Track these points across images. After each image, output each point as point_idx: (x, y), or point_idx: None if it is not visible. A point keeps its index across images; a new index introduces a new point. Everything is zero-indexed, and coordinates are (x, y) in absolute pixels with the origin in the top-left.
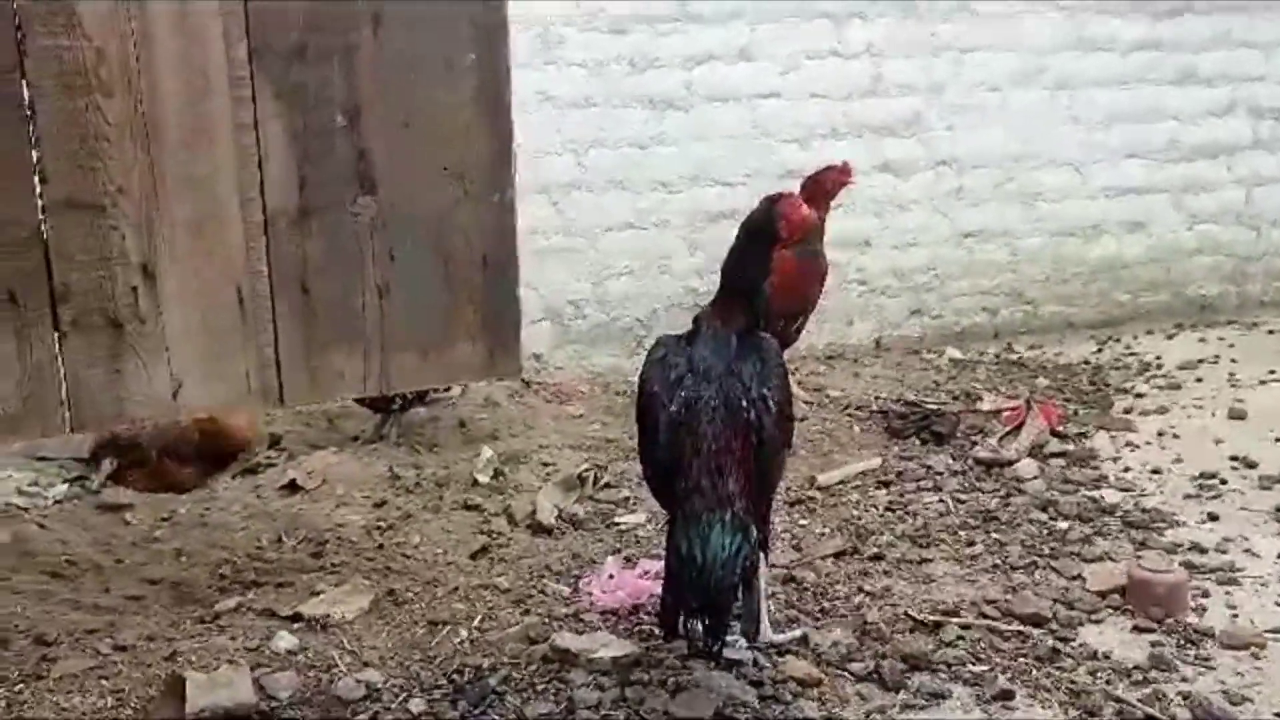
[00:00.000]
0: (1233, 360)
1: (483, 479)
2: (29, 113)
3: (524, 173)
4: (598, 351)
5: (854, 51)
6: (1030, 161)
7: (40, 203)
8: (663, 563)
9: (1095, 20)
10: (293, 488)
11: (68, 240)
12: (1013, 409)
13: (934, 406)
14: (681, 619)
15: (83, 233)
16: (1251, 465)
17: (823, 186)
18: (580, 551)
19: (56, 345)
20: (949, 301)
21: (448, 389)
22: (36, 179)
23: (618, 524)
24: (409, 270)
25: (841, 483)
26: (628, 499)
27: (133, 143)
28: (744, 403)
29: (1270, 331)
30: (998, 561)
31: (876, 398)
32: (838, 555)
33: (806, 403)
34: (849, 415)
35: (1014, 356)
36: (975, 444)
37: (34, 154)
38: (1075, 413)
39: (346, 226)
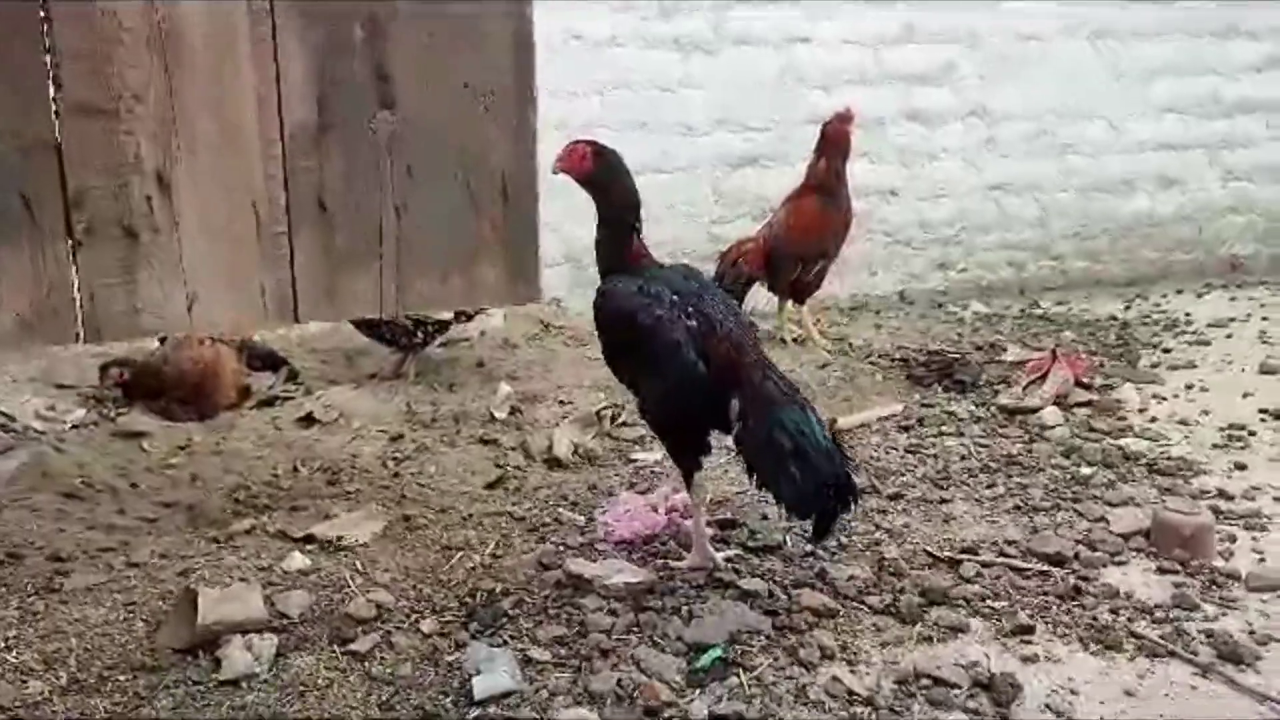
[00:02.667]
0: (1264, 319)
1: (500, 415)
2: (44, 16)
3: (547, 112)
4: None
5: None
6: (1065, 114)
7: (55, 107)
8: (680, 495)
9: None
10: (309, 420)
11: (82, 146)
12: (1040, 359)
13: (957, 355)
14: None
15: (97, 139)
16: None
17: (828, 136)
18: (597, 484)
19: (70, 253)
20: (975, 255)
21: (469, 318)
22: (51, 84)
23: (634, 460)
24: (428, 190)
25: (863, 426)
26: (644, 437)
27: (149, 50)
28: (736, 313)
29: None
30: (1019, 503)
31: (899, 347)
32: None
33: (828, 351)
34: (871, 363)
35: (1039, 312)
36: (998, 392)
37: (48, 59)
38: (1101, 365)
39: (365, 143)
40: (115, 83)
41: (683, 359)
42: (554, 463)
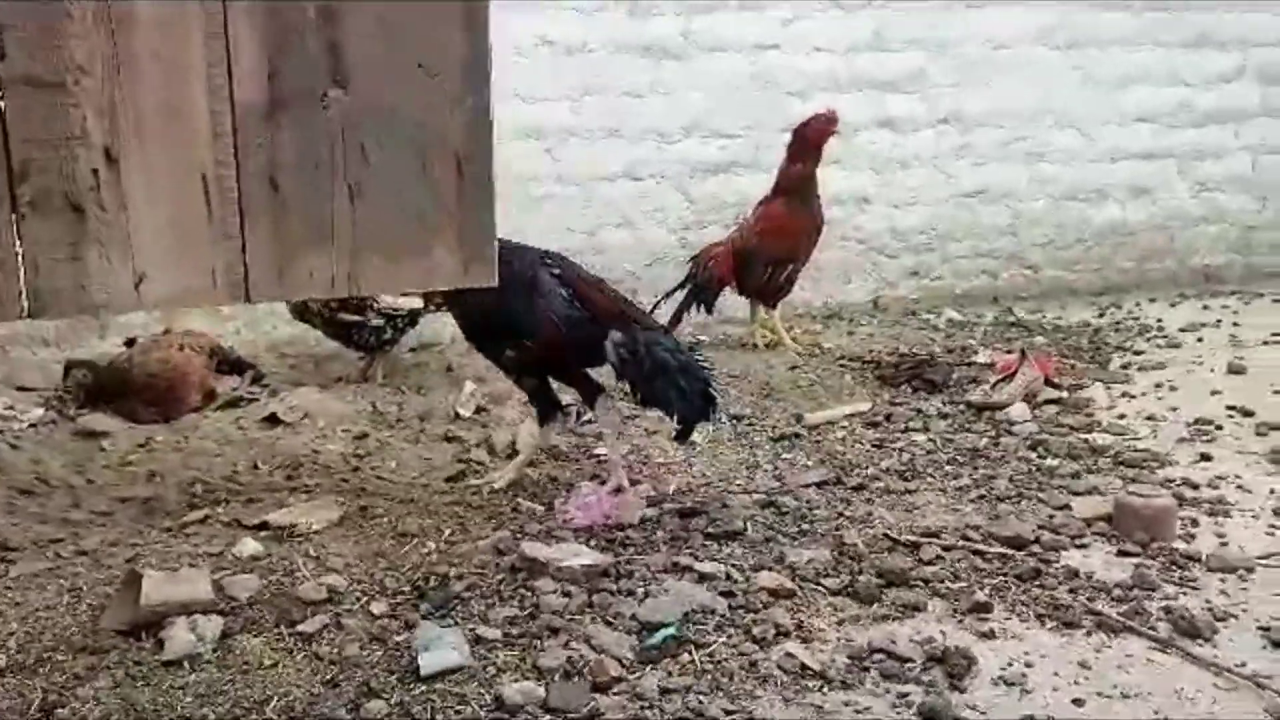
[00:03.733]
0: (1235, 324)
1: (465, 413)
2: None
3: (518, 117)
4: None
5: (857, 4)
6: (1037, 122)
7: None
8: (643, 484)
9: None
10: (274, 420)
11: (27, 118)
12: (1009, 359)
13: (927, 357)
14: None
15: (43, 111)
16: (1249, 414)
17: (806, 138)
18: (558, 476)
19: (15, 226)
20: (949, 263)
21: (438, 307)
22: None
23: (597, 455)
24: (382, 170)
25: (829, 423)
26: (606, 435)
27: (96, 24)
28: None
29: (1276, 300)
30: (984, 493)
31: (870, 351)
32: (820, 485)
33: (799, 354)
34: (841, 365)
35: (1012, 319)
36: (967, 391)
37: None
38: (1072, 366)
39: (318, 121)
40: (62, 55)
41: (562, 300)
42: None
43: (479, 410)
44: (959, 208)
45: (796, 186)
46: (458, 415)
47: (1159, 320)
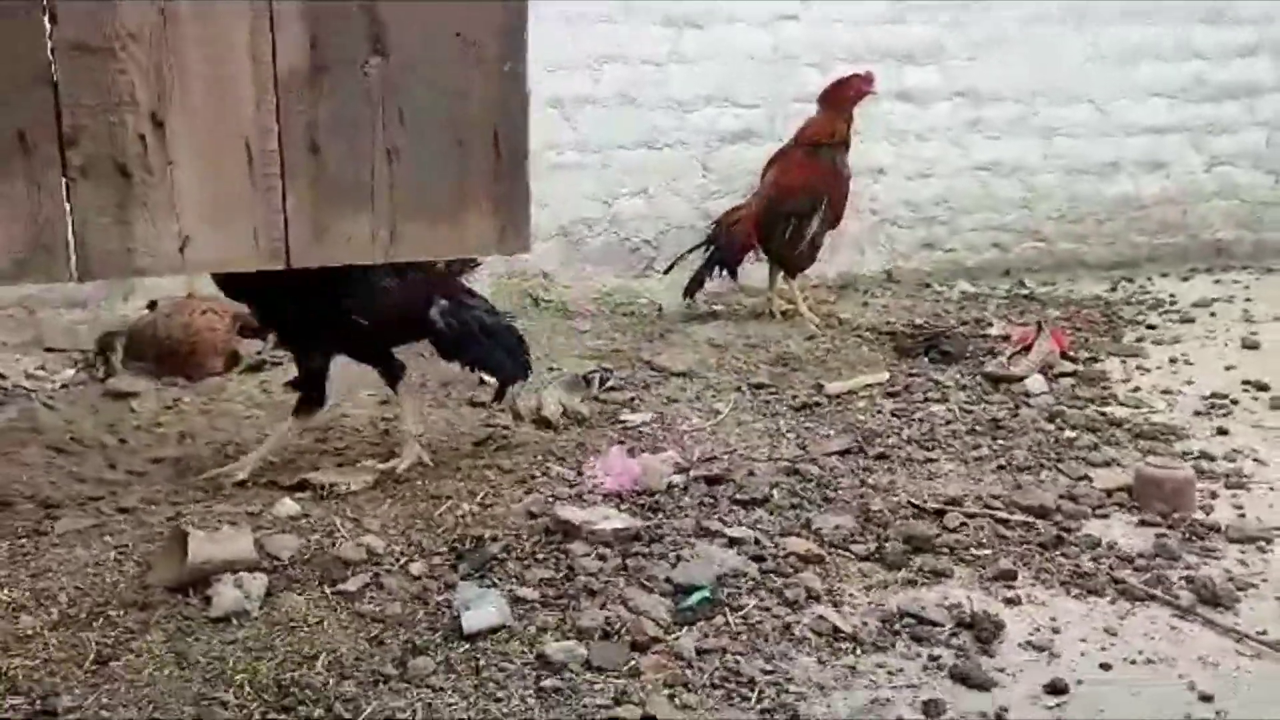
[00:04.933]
0: (1247, 300)
1: (488, 379)
2: None
3: (539, 87)
4: (605, 271)
5: None
6: (1051, 95)
7: (49, 43)
8: (669, 451)
9: None
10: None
11: (77, 83)
12: (1023, 332)
13: (943, 329)
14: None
15: (92, 76)
16: (1264, 388)
17: (844, 93)
18: (585, 442)
19: (65, 191)
20: (961, 235)
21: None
22: (46, 19)
23: (623, 421)
24: (419, 136)
25: (849, 392)
26: (633, 399)
27: None
28: None
29: None
30: (1003, 463)
31: (886, 322)
32: (843, 453)
33: (815, 325)
34: (858, 336)
35: (1025, 292)
36: (984, 363)
37: None
38: (1086, 340)
39: (358, 87)
40: (111, 22)
41: (391, 274)
42: (543, 423)
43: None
44: (972, 180)
45: (822, 140)
46: (481, 380)
47: (1171, 295)
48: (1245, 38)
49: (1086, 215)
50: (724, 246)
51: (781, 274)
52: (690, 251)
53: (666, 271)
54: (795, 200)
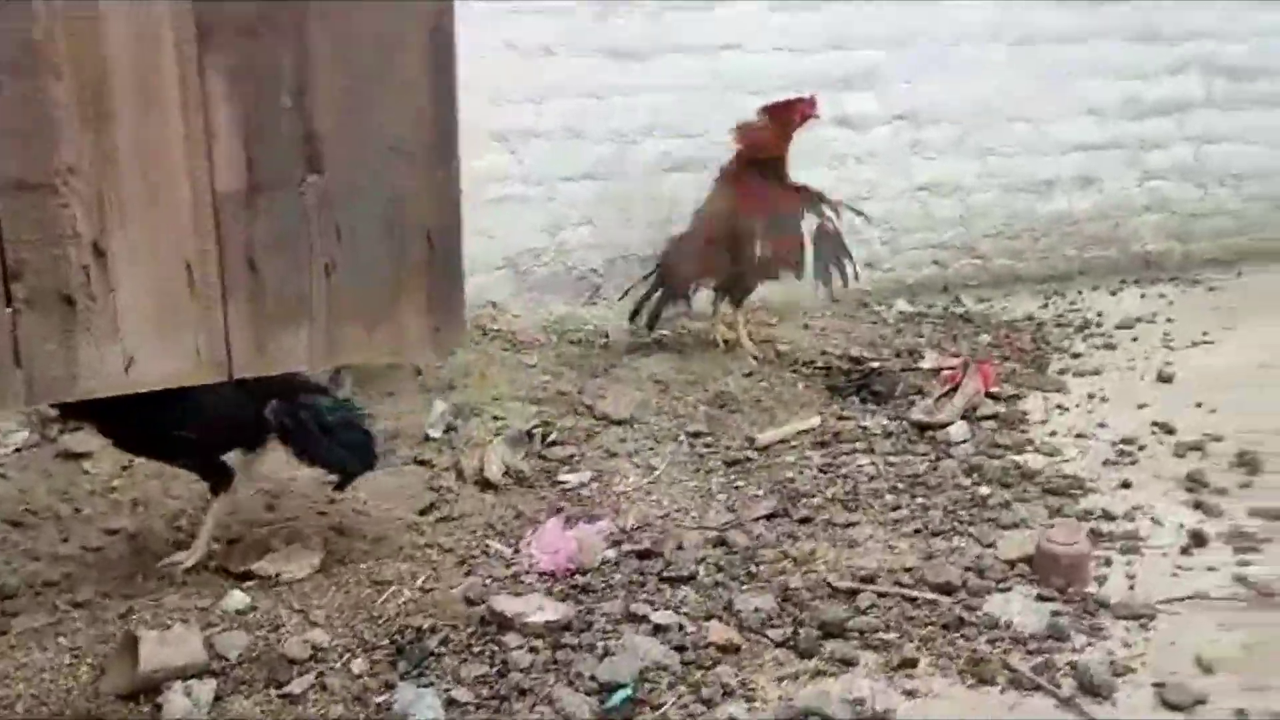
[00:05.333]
0: (1169, 320)
1: (434, 434)
2: None
3: (484, 120)
4: (554, 299)
5: (816, 4)
6: (988, 117)
7: None
8: (603, 521)
9: None
10: None
11: (20, 219)
12: (951, 370)
13: (876, 364)
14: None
15: (35, 212)
16: (1170, 431)
17: (789, 114)
18: (524, 510)
19: (11, 321)
20: (901, 254)
21: None
22: None
23: (561, 482)
24: (356, 246)
25: (781, 442)
26: (572, 456)
27: (82, 123)
28: None
29: (1210, 289)
30: (919, 526)
31: (822, 353)
32: (769, 517)
33: (755, 358)
34: (794, 372)
35: (961, 310)
36: (913, 403)
37: None
38: (1013, 372)
39: (294, 205)
40: (51, 158)
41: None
42: (485, 484)
43: (448, 429)
44: (912, 201)
45: (765, 155)
46: (427, 437)
47: (1099, 315)
48: (1175, 56)
49: (1022, 232)
50: (671, 274)
51: (725, 300)
52: (644, 279)
53: (621, 298)
54: (738, 221)
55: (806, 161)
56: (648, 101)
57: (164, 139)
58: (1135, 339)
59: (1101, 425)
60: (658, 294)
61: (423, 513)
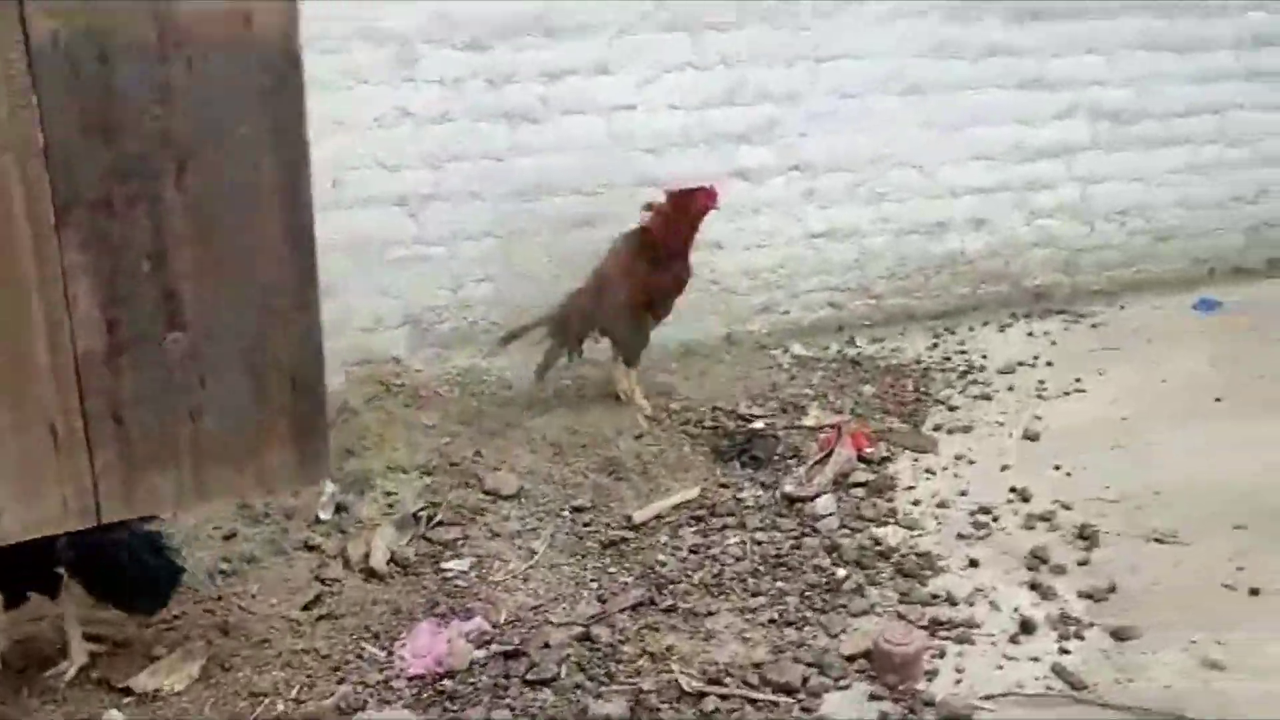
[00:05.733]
0: (1048, 364)
1: (325, 515)
2: None
3: (387, 187)
4: (457, 353)
5: (710, 63)
6: (881, 164)
7: None
8: (476, 619)
9: (947, 27)
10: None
11: None
12: (828, 435)
13: (760, 425)
14: None
15: None
16: (1026, 499)
17: (688, 207)
18: (402, 605)
19: None
20: (797, 298)
21: None
22: None
23: (443, 570)
24: (220, 393)
25: (658, 517)
26: (456, 540)
27: None
28: None
29: (1094, 325)
30: (775, 615)
31: (713, 408)
32: (636, 606)
33: (646, 417)
34: (683, 431)
35: (854, 352)
36: (790, 469)
37: None
38: (889, 430)
39: (157, 360)
40: None
41: None
42: (370, 573)
43: (339, 509)
44: (807, 247)
45: (660, 242)
46: (318, 519)
47: (983, 356)
48: (1060, 101)
49: (915, 271)
50: (560, 329)
51: (619, 357)
52: (532, 328)
53: (503, 342)
54: (624, 295)
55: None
56: (546, 162)
57: (22, 313)
58: (1011, 388)
59: (963, 493)
60: (548, 346)
61: (307, 607)
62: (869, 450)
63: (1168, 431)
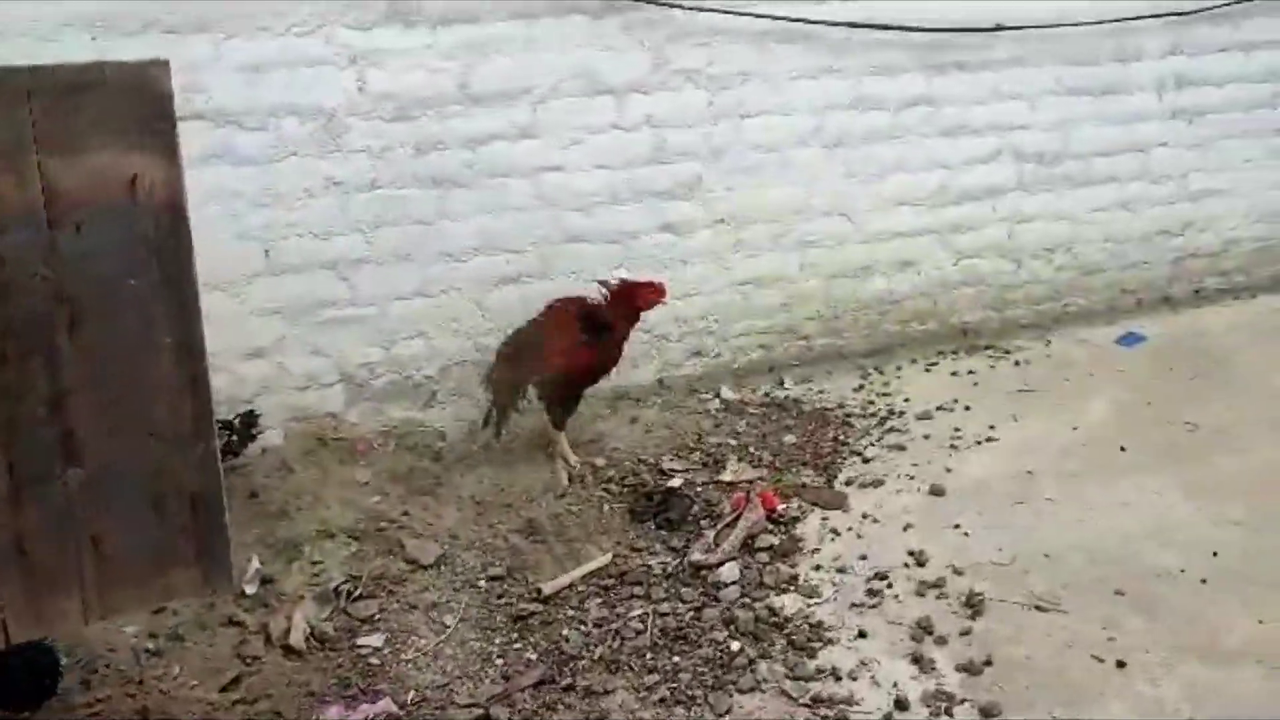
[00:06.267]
0: (966, 408)
1: (250, 590)
2: None
3: (318, 253)
4: (392, 405)
5: (635, 124)
6: (806, 214)
7: None
8: (383, 700)
9: (869, 81)
10: None
11: None
12: (739, 495)
13: (678, 482)
14: None
15: None
16: (921, 563)
17: (634, 302)
18: (316, 686)
19: None
20: (728, 342)
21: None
22: None
23: (359, 646)
24: (121, 521)
25: (569, 587)
26: (374, 615)
27: None
28: None
29: (1016, 363)
30: (666, 694)
31: (638, 461)
32: (537, 685)
33: (570, 477)
34: (604, 490)
35: (782, 394)
36: (703, 530)
37: None
38: (803, 486)
39: (57, 495)
40: None
41: None
42: (289, 649)
43: (264, 581)
44: (735, 294)
45: (601, 328)
46: (243, 593)
47: (905, 400)
48: (984, 145)
49: (844, 312)
50: (494, 387)
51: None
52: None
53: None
54: (554, 363)
55: (633, 269)
56: (474, 225)
57: None
58: (927, 435)
59: (863, 557)
60: (491, 407)
61: (225, 689)
62: (780, 509)
63: (1069, 486)
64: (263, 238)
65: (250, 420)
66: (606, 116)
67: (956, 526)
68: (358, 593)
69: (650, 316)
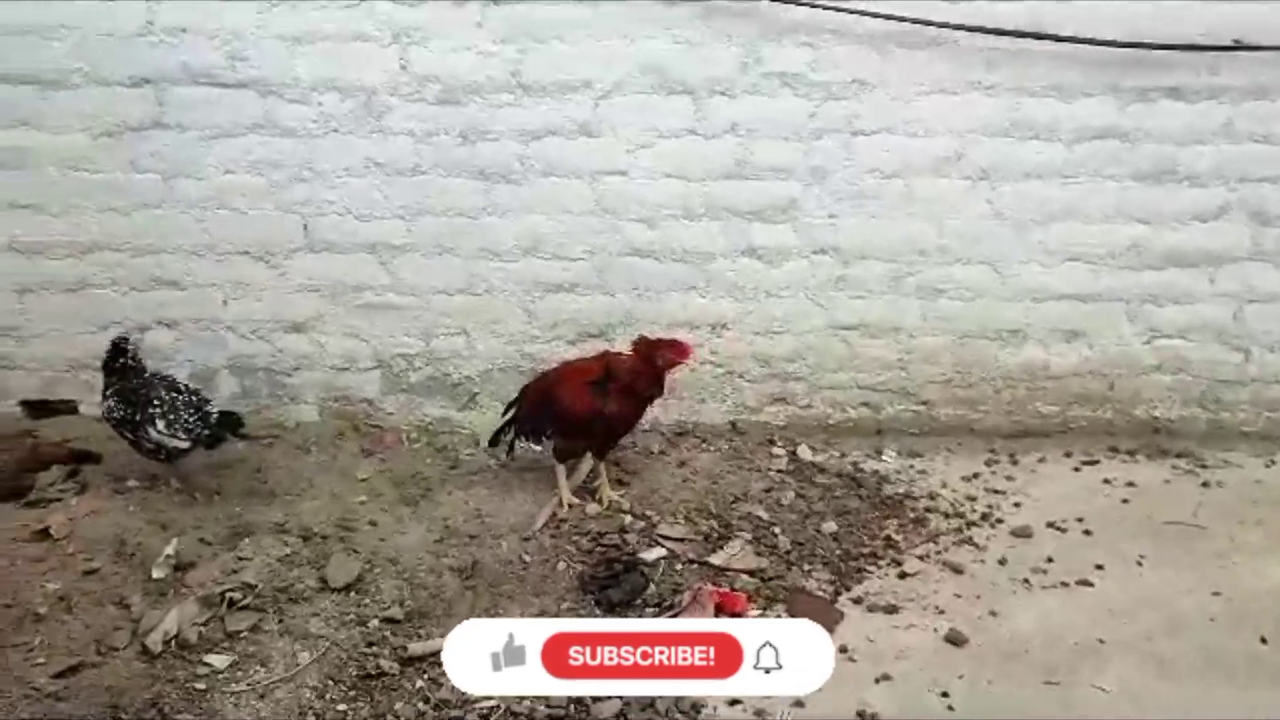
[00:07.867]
0: (1087, 532)
1: (157, 574)
2: None
3: (355, 232)
4: (430, 401)
5: (716, 131)
6: (934, 256)
7: None
8: None
9: (1031, 103)
10: (44, 534)
11: None
12: (692, 590)
13: (653, 556)
14: None
15: None
16: None
17: (653, 359)
18: (137, 698)
19: None
20: (820, 392)
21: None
22: None
23: (207, 664)
24: None
25: (435, 653)
26: (242, 631)
27: None
28: None
29: (1205, 483)
30: None
31: (637, 516)
32: None
33: (550, 521)
34: (572, 544)
35: (871, 467)
36: (641, 614)
37: None
38: (800, 591)
39: None
40: None
41: None
42: (144, 650)
43: (177, 568)
44: (834, 338)
45: (623, 386)
46: (150, 576)
47: (1016, 505)
48: (1210, 199)
49: (979, 381)
50: (524, 415)
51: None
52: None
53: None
54: (571, 408)
55: (705, 293)
56: (523, 224)
57: None
58: (1003, 561)
59: (798, 704)
60: (511, 425)
61: (61, 675)
62: (743, 606)
63: (1142, 676)
64: (302, 212)
65: (232, 421)
66: (681, 120)
67: (944, 695)
68: (243, 602)
69: (723, 351)
